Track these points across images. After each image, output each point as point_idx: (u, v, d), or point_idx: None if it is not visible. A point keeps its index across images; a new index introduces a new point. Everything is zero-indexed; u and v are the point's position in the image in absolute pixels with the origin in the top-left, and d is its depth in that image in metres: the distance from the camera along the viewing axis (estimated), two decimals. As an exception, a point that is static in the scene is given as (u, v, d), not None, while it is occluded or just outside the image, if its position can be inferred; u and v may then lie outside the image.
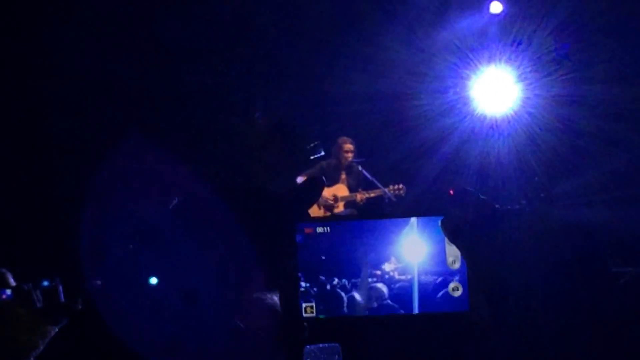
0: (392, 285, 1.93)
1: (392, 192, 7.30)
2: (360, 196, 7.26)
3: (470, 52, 8.78)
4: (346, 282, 1.94)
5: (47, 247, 7.26)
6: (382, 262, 1.93)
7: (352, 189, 7.40)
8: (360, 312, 1.73)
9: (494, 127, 8.79)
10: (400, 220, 1.43)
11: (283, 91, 8.45)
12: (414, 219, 1.43)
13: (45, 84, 8.05)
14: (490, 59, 8.77)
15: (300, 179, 7.41)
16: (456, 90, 8.94)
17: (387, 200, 7.34)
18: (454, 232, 0.89)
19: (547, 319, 0.73)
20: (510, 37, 8.64)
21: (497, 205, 0.87)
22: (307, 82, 8.33)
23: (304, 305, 1.28)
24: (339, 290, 1.92)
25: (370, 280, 1.94)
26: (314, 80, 8.33)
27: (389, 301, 1.87)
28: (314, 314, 1.30)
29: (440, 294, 1.74)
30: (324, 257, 1.86)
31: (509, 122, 8.76)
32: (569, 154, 8.48)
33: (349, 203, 7.29)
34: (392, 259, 1.93)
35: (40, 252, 6.92)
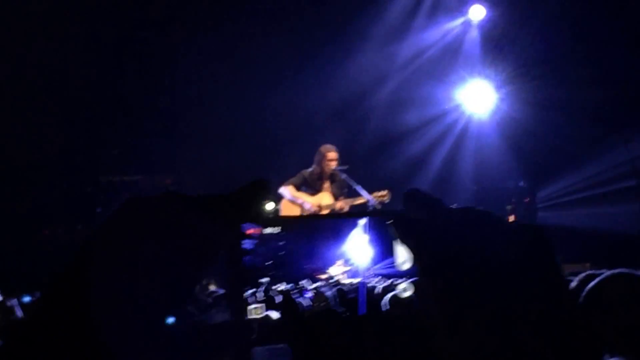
0: (339, 288, 1.92)
1: (376, 198, 7.26)
2: (343, 203, 7.22)
3: (455, 60, 8.85)
4: (293, 286, 1.95)
5: (30, 263, 7.19)
6: (329, 265, 1.92)
7: (336, 197, 7.36)
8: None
9: (480, 133, 8.84)
10: (350, 220, 1.41)
11: (271, 100, 8.48)
12: (364, 220, 1.42)
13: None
14: (474, 66, 8.83)
15: (283, 189, 7.37)
16: (442, 98, 8.98)
17: (371, 207, 7.30)
18: (404, 232, 0.85)
19: (496, 318, 0.70)
20: (493, 43, 8.72)
21: (453, 205, 0.83)
22: (294, 92, 8.35)
23: (252, 306, 1.26)
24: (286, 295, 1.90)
25: (317, 284, 1.95)
26: (302, 90, 8.37)
27: (335, 305, 1.86)
28: (262, 315, 1.27)
29: (388, 296, 1.73)
30: (271, 262, 1.84)
31: (494, 128, 8.81)
32: (552, 157, 8.54)
33: (334, 211, 7.26)
34: (340, 261, 1.91)
35: (23, 268, 6.85)
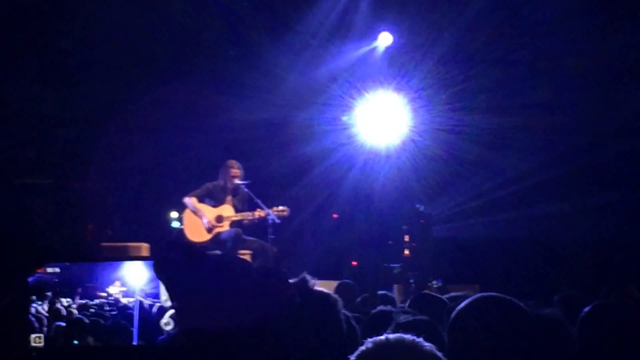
0: (117, 306, 2.14)
1: (276, 213, 7.55)
2: (244, 216, 7.49)
3: (359, 82, 9.11)
4: (75, 302, 2.10)
5: None
6: (107, 285, 2.11)
7: (237, 210, 7.61)
8: (87, 334, 1.89)
9: (379, 154, 9.11)
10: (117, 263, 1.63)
11: (172, 119, 8.72)
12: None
13: None
14: (378, 89, 9.09)
15: (187, 199, 7.62)
16: (343, 119, 9.29)
17: (271, 222, 7.57)
18: (162, 273, 1.02)
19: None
20: (397, 67, 9.03)
21: (213, 253, 1.09)
22: (197, 109, 8.58)
23: (32, 336, 1.41)
24: (71, 311, 2.12)
25: (97, 301, 2.11)
26: (205, 107, 8.60)
27: (112, 322, 2.07)
28: (42, 344, 1.45)
29: (162, 321, 1.94)
30: (57, 280, 1.98)
31: (395, 150, 9.10)
32: (449, 179, 8.95)
33: (234, 223, 7.50)
34: (117, 282, 2.12)
35: None
